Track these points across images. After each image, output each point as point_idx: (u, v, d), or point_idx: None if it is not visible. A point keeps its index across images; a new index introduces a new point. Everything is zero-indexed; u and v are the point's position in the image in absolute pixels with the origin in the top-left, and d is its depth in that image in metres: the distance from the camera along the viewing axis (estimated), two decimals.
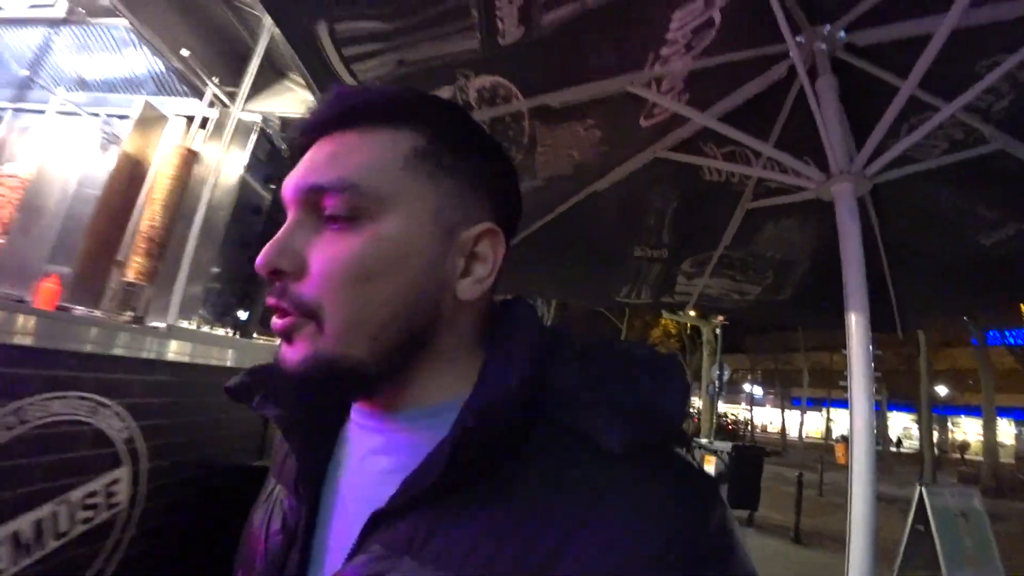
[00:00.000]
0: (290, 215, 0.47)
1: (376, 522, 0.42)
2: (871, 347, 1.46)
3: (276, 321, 0.45)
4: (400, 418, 0.48)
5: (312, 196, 0.45)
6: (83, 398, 1.11)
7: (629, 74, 1.68)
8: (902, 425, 31.67)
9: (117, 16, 2.02)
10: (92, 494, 1.15)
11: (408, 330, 0.45)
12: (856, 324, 1.47)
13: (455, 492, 0.40)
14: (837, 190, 1.60)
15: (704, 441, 8.58)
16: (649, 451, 0.40)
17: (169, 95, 2.71)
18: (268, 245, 0.44)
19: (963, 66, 1.70)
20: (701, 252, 2.71)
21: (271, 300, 0.44)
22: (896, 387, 25.20)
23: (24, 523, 0.98)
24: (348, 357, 0.43)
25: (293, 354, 0.44)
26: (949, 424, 29.23)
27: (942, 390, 24.39)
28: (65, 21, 2.30)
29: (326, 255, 0.43)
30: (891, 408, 28.75)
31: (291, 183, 0.46)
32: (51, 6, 2.29)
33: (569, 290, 3.40)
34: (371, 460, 0.48)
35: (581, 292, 3.45)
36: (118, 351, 1.26)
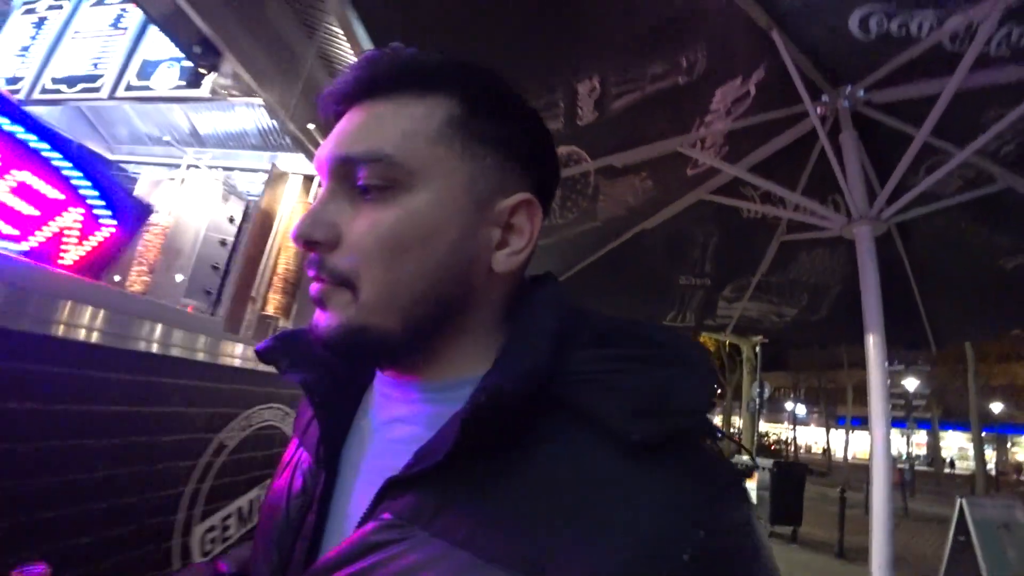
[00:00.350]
0: (323, 186, 0.47)
1: (389, 490, 0.41)
2: (887, 371, 1.72)
3: (313, 287, 0.46)
4: (423, 388, 0.48)
5: (344, 167, 0.45)
6: (279, 408, 1.49)
7: (679, 137, 2.03)
8: (958, 445, 30.31)
9: (254, 95, 2.46)
10: None
11: (440, 302, 0.45)
12: (873, 349, 1.75)
13: (468, 468, 0.39)
14: (857, 232, 1.89)
15: (745, 459, 8.60)
16: (669, 441, 0.38)
17: (272, 149, 3.17)
18: (303, 216, 0.45)
19: (971, 116, 1.97)
20: (740, 279, 3.00)
21: (309, 270, 0.46)
22: (950, 405, 24.22)
23: (244, 501, 1.31)
24: (379, 327, 0.44)
25: (326, 320, 0.45)
26: (1009, 444, 27.82)
27: (998, 407, 23.33)
28: (208, 99, 2.79)
29: (360, 227, 0.44)
30: (944, 427, 27.60)
31: (323, 154, 0.47)
32: (197, 87, 2.78)
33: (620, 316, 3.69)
34: (390, 428, 0.49)
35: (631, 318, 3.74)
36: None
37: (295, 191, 2.92)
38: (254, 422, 1.39)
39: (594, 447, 0.39)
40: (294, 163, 3.00)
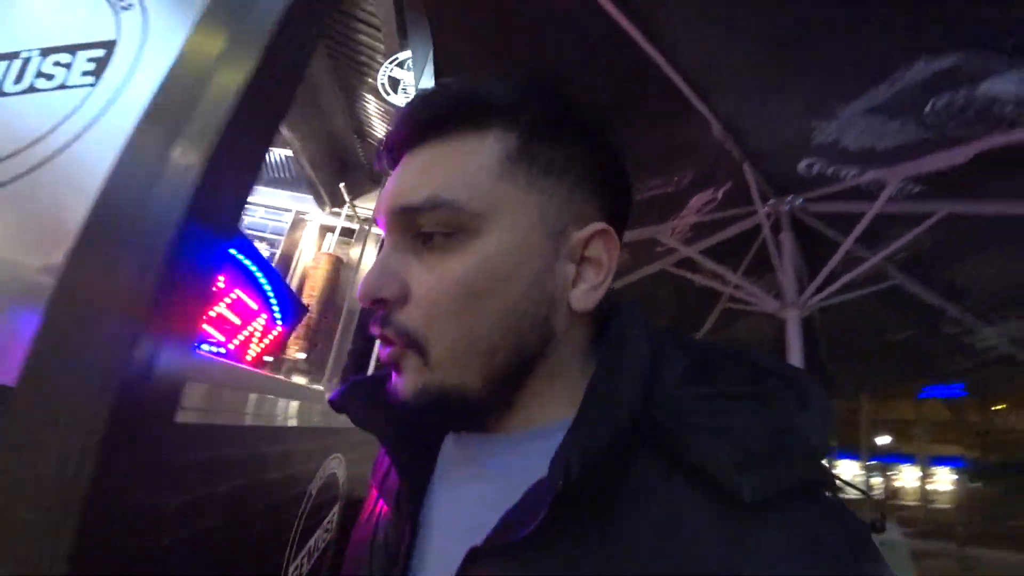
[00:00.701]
0: (386, 239, 0.45)
1: (474, 559, 0.37)
2: None
3: (382, 350, 0.43)
4: (503, 441, 0.44)
5: (405, 218, 0.42)
6: (338, 457, 1.62)
7: (657, 226, 2.47)
8: (852, 472, 32.73)
9: (286, 148, 2.65)
10: (330, 522, 1.62)
11: (520, 350, 0.41)
12: None
13: (559, 533, 0.35)
14: (788, 315, 2.39)
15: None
16: (787, 494, 0.33)
17: (278, 187, 3.33)
18: (368, 273, 0.43)
19: (878, 228, 2.51)
20: (687, 333, 3.49)
21: (375, 329, 0.43)
22: (844, 437, 26.27)
23: (312, 541, 1.44)
24: (458, 386, 0.40)
25: (402, 385, 0.42)
26: (897, 472, 30.44)
27: (885, 440, 25.59)
28: None
29: (428, 279, 0.41)
30: (840, 456, 29.85)
31: (383, 206, 0.44)
32: None
33: None
34: (472, 484, 0.45)
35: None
36: (344, 423, 1.92)
37: (313, 237, 3.13)
38: (326, 472, 1.55)
39: (701, 503, 0.34)
40: (313, 210, 3.20)
